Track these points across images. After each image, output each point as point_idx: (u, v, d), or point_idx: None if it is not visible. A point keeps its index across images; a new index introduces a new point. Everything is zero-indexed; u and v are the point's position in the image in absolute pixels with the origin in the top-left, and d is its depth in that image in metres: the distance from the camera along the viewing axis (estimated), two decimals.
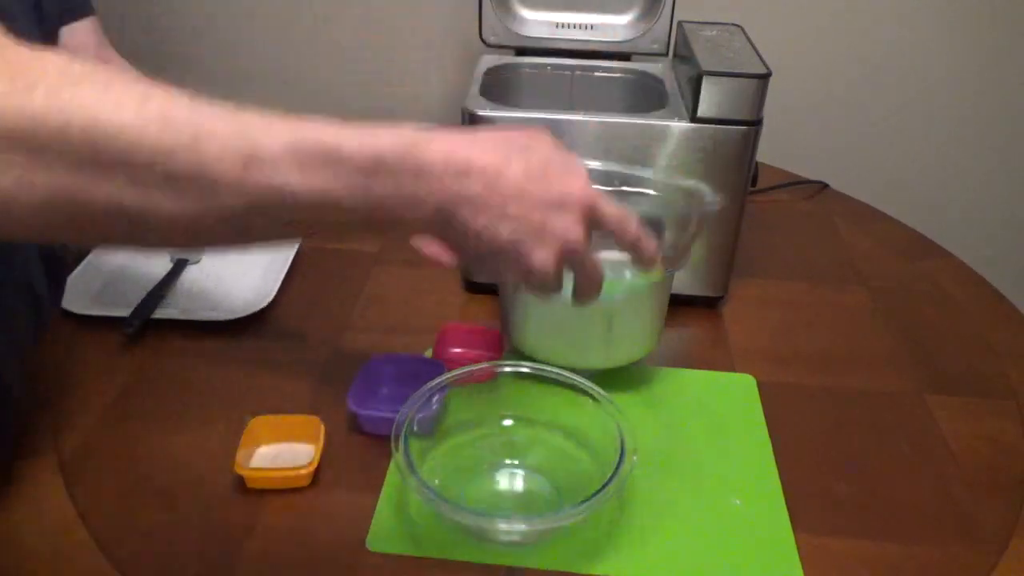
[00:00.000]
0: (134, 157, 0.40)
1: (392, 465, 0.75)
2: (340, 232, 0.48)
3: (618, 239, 0.51)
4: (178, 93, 0.44)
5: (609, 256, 0.92)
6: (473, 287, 1.01)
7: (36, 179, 0.39)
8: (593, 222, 0.50)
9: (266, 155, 0.42)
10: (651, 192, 0.91)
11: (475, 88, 0.95)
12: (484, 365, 0.82)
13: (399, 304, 0.99)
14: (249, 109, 0.44)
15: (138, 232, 0.44)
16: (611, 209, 0.50)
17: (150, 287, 0.97)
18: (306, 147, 0.43)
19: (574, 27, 1.10)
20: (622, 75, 1.05)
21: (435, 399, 0.75)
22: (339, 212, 0.44)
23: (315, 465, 0.73)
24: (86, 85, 0.40)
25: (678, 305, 0.94)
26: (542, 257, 0.48)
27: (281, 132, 0.43)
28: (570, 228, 0.48)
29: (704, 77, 0.86)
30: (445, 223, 0.47)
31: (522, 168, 0.46)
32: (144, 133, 0.40)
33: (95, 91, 0.40)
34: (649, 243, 0.53)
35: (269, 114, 0.44)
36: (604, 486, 0.66)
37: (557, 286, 0.50)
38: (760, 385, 0.87)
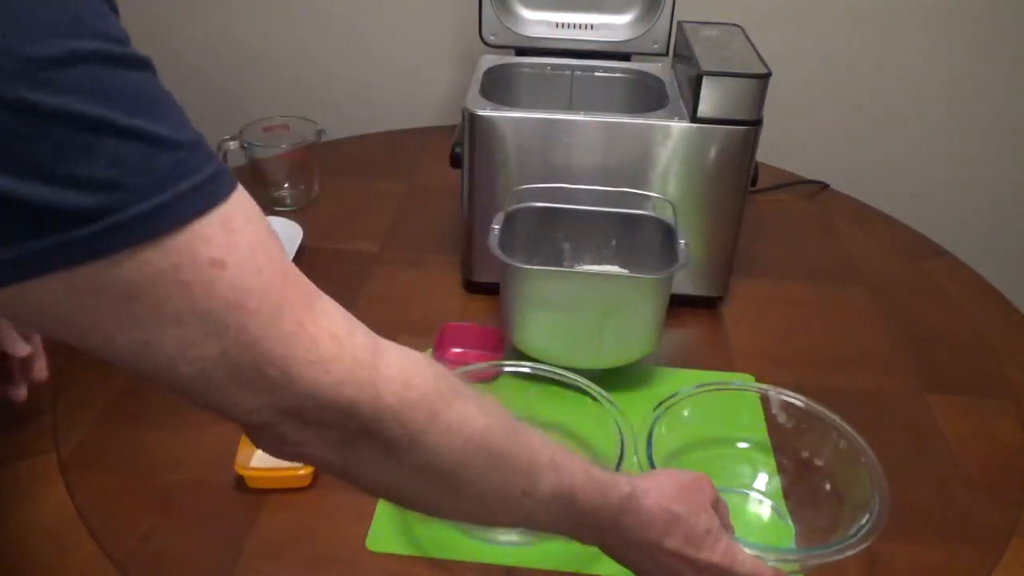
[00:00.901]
0: (458, 476, 0.48)
1: None
2: None
3: None
4: (492, 414, 0.50)
5: (606, 269, 0.93)
6: (473, 287, 1.01)
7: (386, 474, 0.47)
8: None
9: (538, 495, 0.51)
10: (654, 195, 0.91)
11: (475, 88, 0.95)
12: (484, 365, 0.82)
13: (399, 304, 0.99)
14: (530, 433, 0.52)
15: (402, 506, 0.53)
16: (744, 570, 0.59)
17: None
18: (562, 494, 0.52)
19: (574, 27, 1.10)
20: (622, 75, 1.05)
21: None
22: (547, 531, 0.55)
23: None
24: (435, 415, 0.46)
25: (678, 305, 0.94)
26: None
27: (553, 477, 0.51)
28: None
29: (704, 77, 0.86)
30: (611, 551, 0.58)
31: (685, 534, 0.56)
32: (473, 461, 0.48)
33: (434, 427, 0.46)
34: None
35: (539, 441, 0.52)
36: None
37: None
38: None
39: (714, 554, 0.57)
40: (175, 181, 0.36)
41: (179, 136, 0.37)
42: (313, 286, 0.44)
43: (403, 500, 0.50)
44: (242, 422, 0.43)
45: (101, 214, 0.34)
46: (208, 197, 0.38)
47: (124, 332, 0.38)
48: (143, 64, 0.38)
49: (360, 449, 0.45)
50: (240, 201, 0.40)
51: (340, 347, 0.42)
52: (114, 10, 0.38)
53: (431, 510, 0.52)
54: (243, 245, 0.39)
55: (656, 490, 0.57)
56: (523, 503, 0.50)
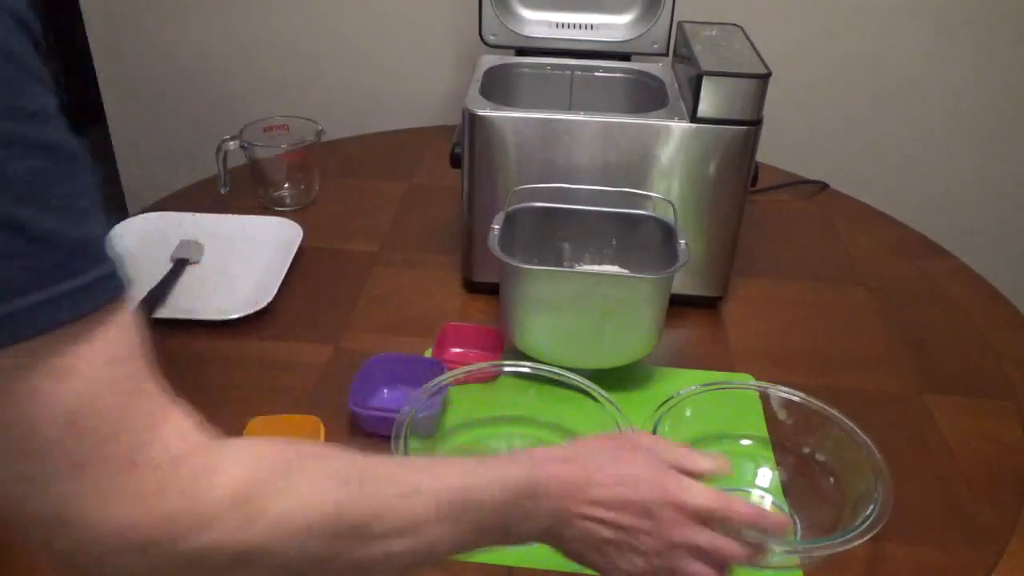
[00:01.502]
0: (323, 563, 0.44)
1: None
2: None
3: (726, 525, 0.53)
4: (341, 483, 0.45)
5: (606, 269, 0.93)
6: (473, 287, 1.01)
7: None
8: (693, 518, 0.52)
9: (427, 526, 0.46)
10: (654, 195, 0.91)
11: (475, 88, 0.95)
12: (484, 365, 0.82)
13: (399, 304, 0.99)
14: (393, 468, 0.49)
15: None
16: (704, 500, 0.51)
17: (151, 287, 0.97)
18: (452, 510, 0.47)
19: (574, 27, 1.10)
20: (622, 75, 1.05)
21: (435, 399, 0.75)
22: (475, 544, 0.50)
23: None
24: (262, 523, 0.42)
25: (678, 305, 0.94)
26: (632, 564, 0.52)
27: (431, 495, 0.47)
28: (661, 533, 0.51)
29: (704, 77, 0.86)
30: (556, 535, 0.53)
31: (599, 485, 0.51)
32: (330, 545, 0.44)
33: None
34: (769, 516, 0.57)
35: (417, 466, 0.50)
36: None
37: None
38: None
39: (666, 494, 0.51)
40: (51, 282, 0.34)
41: (71, 232, 0.35)
42: (166, 403, 0.41)
43: None
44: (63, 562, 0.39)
45: None
46: (81, 305, 0.35)
47: None
48: (54, 147, 0.35)
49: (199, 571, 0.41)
50: (114, 311, 0.37)
51: (176, 470, 0.40)
52: (39, 80, 0.35)
53: None
54: (95, 350, 0.36)
55: (553, 457, 0.52)
56: (412, 542, 0.46)
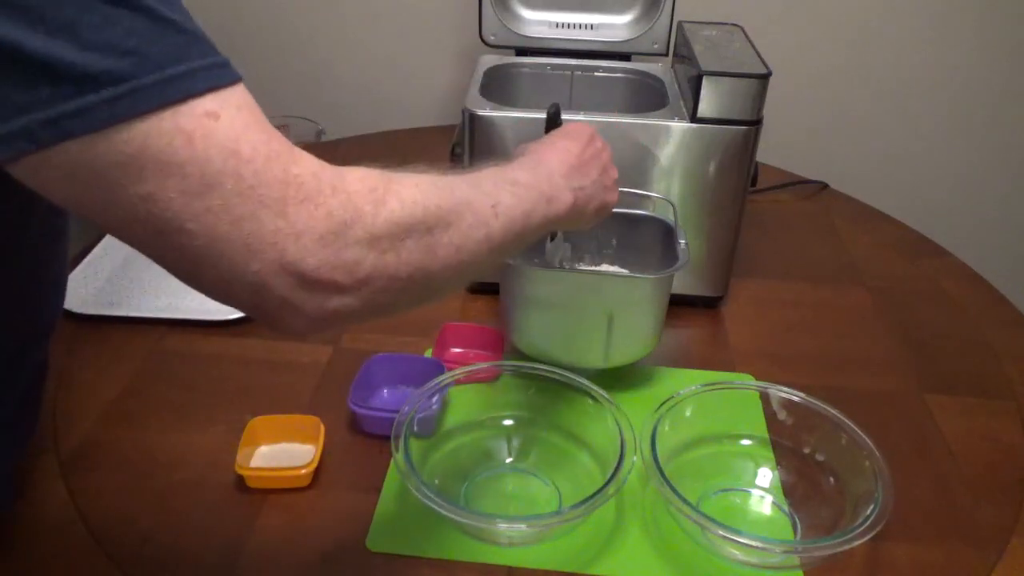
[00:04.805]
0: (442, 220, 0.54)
1: (392, 465, 0.75)
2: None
3: None
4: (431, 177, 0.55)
5: (606, 269, 0.93)
6: (473, 287, 1.01)
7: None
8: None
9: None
10: (654, 195, 0.91)
11: (475, 88, 0.95)
12: (484, 365, 0.82)
13: None
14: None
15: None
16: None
17: (150, 287, 0.97)
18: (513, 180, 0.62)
19: (574, 27, 1.11)
20: (622, 75, 1.05)
21: (435, 399, 0.75)
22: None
23: (315, 465, 0.73)
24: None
25: (678, 305, 0.94)
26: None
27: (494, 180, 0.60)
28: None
29: (704, 77, 0.86)
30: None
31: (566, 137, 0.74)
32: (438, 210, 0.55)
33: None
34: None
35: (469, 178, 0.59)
36: (604, 486, 0.66)
37: None
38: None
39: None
40: (189, 58, 0.41)
41: (188, 26, 0.42)
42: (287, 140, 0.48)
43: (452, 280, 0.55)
44: (246, 295, 0.46)
45: (124, 77, 0.39)
46: (217, 78, 0.43)
47: (130, 186, 0.41)
48: None
49: (365, 263, 0.47)
50: (243, 90, 0.45)
51: (319, 182, 0.46)
52: None
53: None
54: (232, 104, 0.44)
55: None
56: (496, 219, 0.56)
